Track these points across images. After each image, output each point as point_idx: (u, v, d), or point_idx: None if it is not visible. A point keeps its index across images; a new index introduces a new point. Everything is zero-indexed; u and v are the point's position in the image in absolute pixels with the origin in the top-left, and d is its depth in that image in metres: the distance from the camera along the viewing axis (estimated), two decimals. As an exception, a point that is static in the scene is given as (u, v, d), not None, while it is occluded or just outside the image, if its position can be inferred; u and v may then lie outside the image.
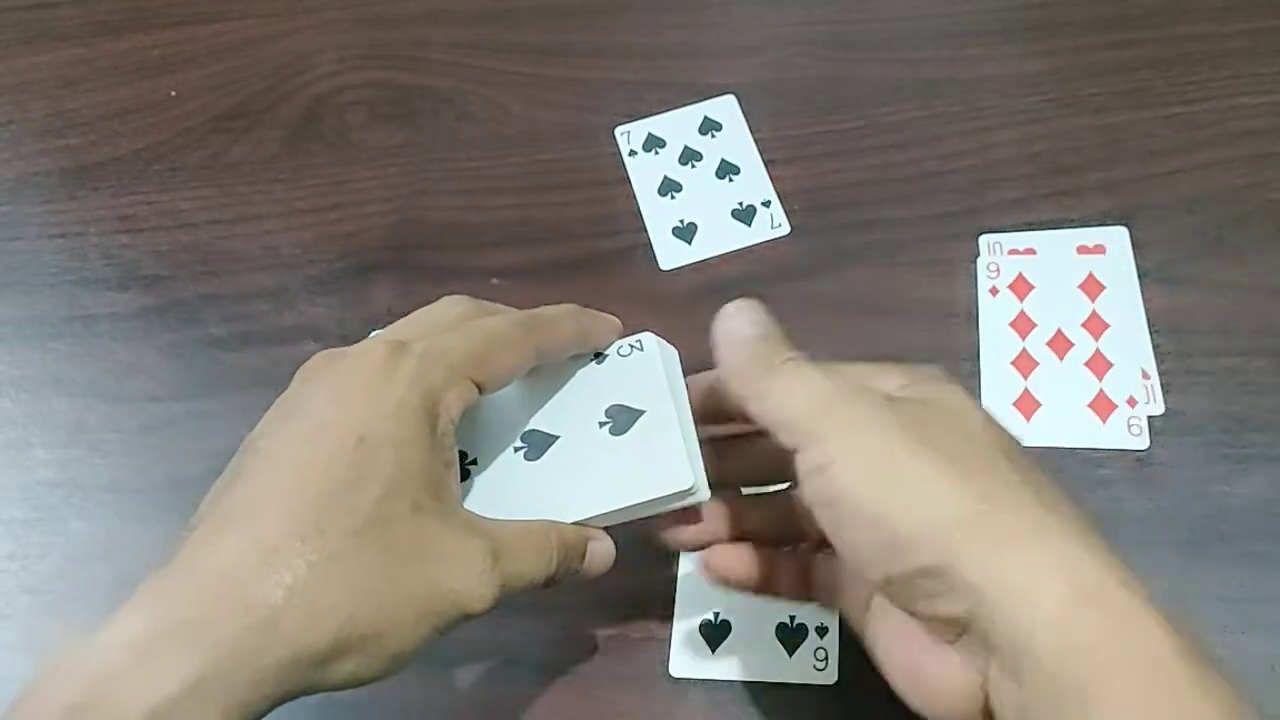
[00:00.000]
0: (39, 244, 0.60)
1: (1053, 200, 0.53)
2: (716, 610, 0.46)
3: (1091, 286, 0.51)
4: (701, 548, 0.40)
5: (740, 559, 0.40)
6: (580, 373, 0.41)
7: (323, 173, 0.60)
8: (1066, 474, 0.47)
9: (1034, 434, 0.48)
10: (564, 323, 0.40)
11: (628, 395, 0.39)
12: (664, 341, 0.41)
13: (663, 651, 0.46)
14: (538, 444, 0.40)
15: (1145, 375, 0.49)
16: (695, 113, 0.59)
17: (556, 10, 0.64)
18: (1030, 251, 0.52)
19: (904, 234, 0.54)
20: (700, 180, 0.57)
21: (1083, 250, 0.52)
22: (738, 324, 0.37)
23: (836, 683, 0.44)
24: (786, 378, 0.35)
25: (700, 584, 0.46)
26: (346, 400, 0.34)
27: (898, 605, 0.33)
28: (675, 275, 0.54)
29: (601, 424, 0.39)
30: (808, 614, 0.45)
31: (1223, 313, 0.50)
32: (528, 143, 0.60)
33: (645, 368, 0.40)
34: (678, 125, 0.59)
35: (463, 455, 0.39)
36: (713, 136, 0.58)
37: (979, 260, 0.52)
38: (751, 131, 0.58)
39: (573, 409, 0.40)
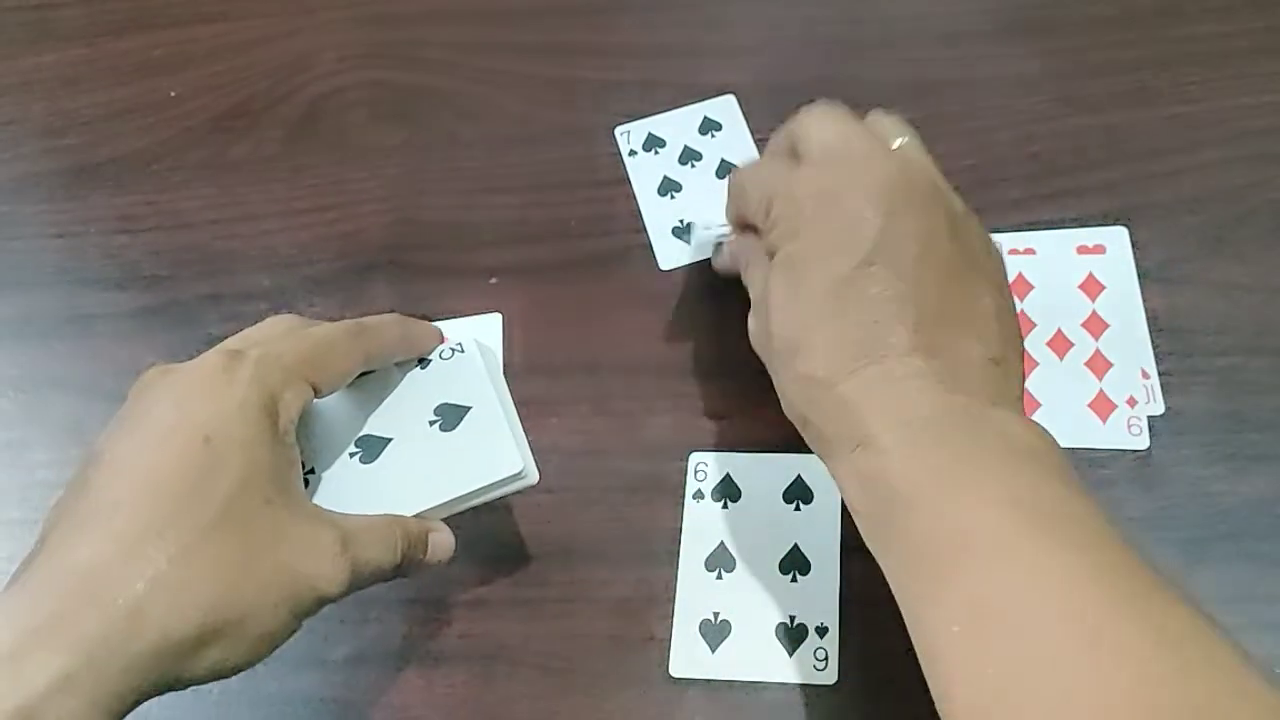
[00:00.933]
0: (39, 243, 0.60)
1: (1053, 200, 0.53)
2: (716, 610, 0.46)
3: (1091, 286, 0.51)
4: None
5: None
6: (407, 378, 0.44)
7: (322, 173, 0.60)
8: (1066, 474, 0.47)
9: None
10: (389, 329, 0.43)
11: (454, 394, 0.43)
12: (483, 343, 0.45)
13: (663, 651, 0.45)
14: (372, 447, 0.42)
15: (1145, 375, 0.49)
16: (695, 113, 0.59)
17: (556, 10, 0.64)
18: (1030, 251, 0.52)
19: (904, 234, 0.54)
20: (700, 180, 0.57)
21: (1083, 250, 0.52)
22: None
23: (836, 683, 0.44)
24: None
25: (700, 584, 0.46)
26: (189, 404, 0.37)
27: None
28: (674, 275, 0.54)
29: (431, 422, 0.42)
30: (808, 614, 0.45)
31: (1223, 313, 0.50)
32: (527, 142, 0.60)
33: (468, 368, 0.44)
34: (678, 125, 0.59)
35: (302, 465, 0.41)
36: (713, 136, 0.58)
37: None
38: (752, 132, 0.58)
39: (403, 412, 0.43)
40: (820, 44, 0.60)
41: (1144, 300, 0.50)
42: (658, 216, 0.56)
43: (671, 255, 0.55)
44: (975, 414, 0.35)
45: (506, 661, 0.46)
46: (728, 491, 0.48)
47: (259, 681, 0.47)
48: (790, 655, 0.45)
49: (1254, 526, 0.45)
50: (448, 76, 0.63)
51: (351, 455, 0.42)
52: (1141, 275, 0.51)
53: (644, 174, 0.57)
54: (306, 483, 0.41)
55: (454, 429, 0.42)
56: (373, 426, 0.43)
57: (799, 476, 0.48)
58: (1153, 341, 0.49)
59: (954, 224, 0.39)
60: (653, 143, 0.58)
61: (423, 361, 0.44)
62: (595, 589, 0.47)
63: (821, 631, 0.45)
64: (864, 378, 0.36)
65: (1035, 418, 0.48)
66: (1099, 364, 0.49)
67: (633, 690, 0.45)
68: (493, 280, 0.55)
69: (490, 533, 0.49)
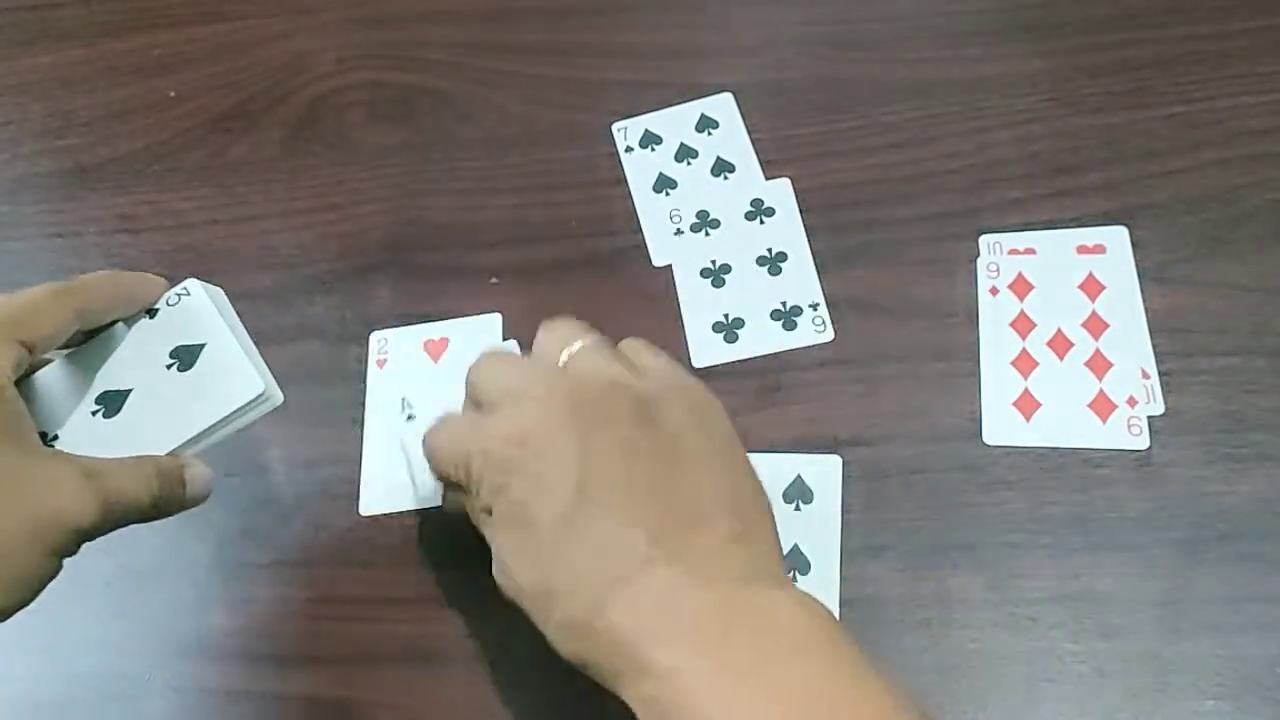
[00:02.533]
0: (38, 244, 0.60)
1: (1053, 200, 0.53)
2: (716, 610, 0.46)
3: (1091, 286, 0.51)
4: None
5: None
6: (136, 329, 0.44)
7: (322, 173, 0.60)
8: (1066, 474, 0.47)
9: (1034, 434, 0.48)
10: (100, 285, 0.43)
11: (186, 335, 0.43)
12: (207, 284, 0.45)
13: (662, 652, 0.45)
14: (113, 401, 0.42)
15: (1145, 375, 0.49)
16: (692, 110, 0.59)
17: (556, 10, 0.64)
18: (1030, 251, 0.52)
19: (904, 234, 0.54)
20: (696, 178, 0.57)
21: (1083, 250, 0.52)
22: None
23: (836, 683, 0.44)
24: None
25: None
26: None
27: None
28: (669, 272, 0.54)
29: (168, 366, 0.42)
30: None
31: (1223, 313, 0.50)
32: (527, 143, 0.60)
33: (196, 308, 0.44)
34: (674, 122, 0.59)
35: (44, 435, 0.41)
36: (709, 134, 0.58)
37: (979, 260, 0.52)
38: (750, 132, 0.58)
39: (138, 362, 0.43)
40: (819, 44, 0.60)
41: (1144, 300, 0.50)
42: (653, 213, 0.56)
43: (665, 252, 0.55)
44: (739, 603, 0.35)
45: (507, 661, 0.46)
46: (728, 491, 0.48)
47: (259, 681, 0.47)
48: (790, 655, 0.45)
49: (1253, 526, 0.45)
50: (447, 77, 0.63)
51: (94, 413, 0.42)
52: (1141, 275, 0.51)
53: (640, 171, 0.57)
54: (51, 448, 0.41)
55: (191, 367, 0.42)
56: (110, 382, 0.43)
57: (799, 476, 0.48)
58: (1153, 341, 0.49)
59: (648, 416, 0.38)
60: (649, 139, 0.58)
61: (151, 312, 0.44)
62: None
63: (821, 631, 0.45)
64: (621, 605, 0.35)
65: (1035, 417, 0.48)
66: (1099, 364, 0.49)
67: (633, 690, 0.45)
68: (493, 280, 0.55)
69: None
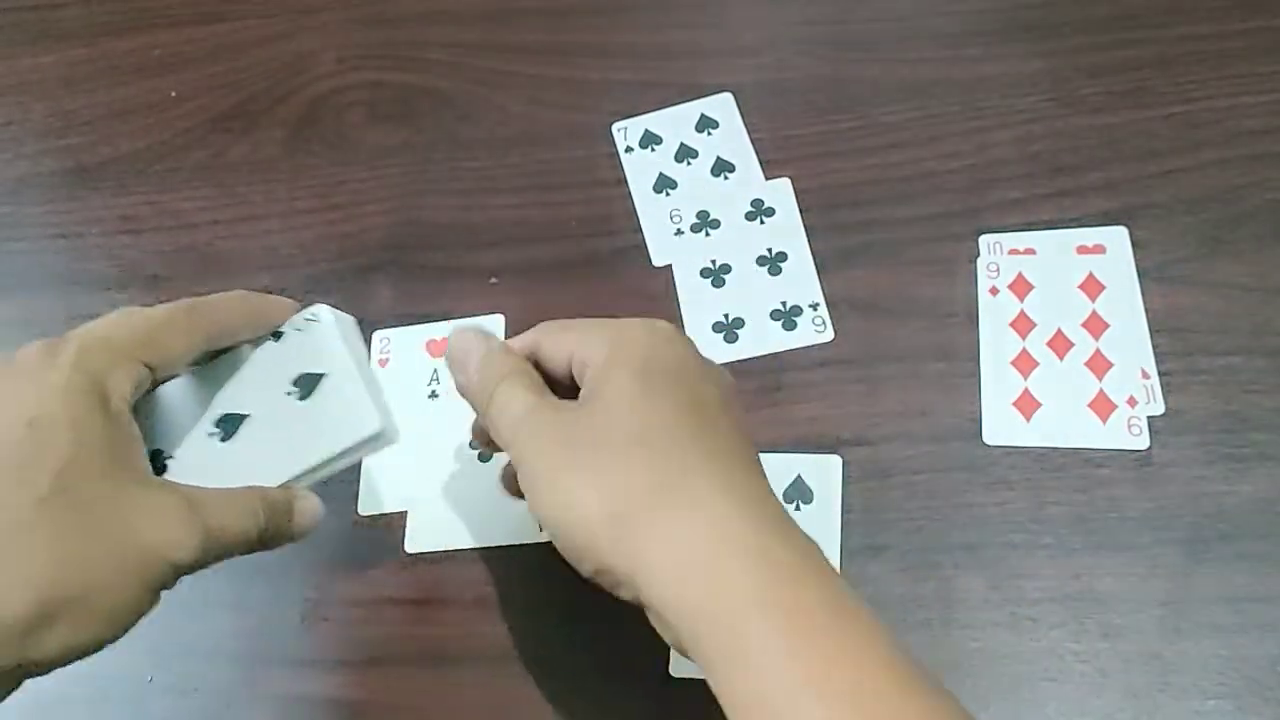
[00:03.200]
0: (39, 244, 0.60)
1: (1053, 200, 0.53)
2: (716, 610, 0.46)
3: (1091, 286, 0.51)
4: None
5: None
6: (260, 352, 0.42)
7: (322, 173, 0.60)
8: (1066, 474, 0.47)
9: (1034, 434, 0.48)
10: (229, 305, 0.42)
11: (309, 363, 0.41)
12: (338, 310, 0.43)
13: (663, 651, 0.45)
14: (230, 424, 0.41)
15: (1145, 375, 0.49)
16: (692, 110, 0.59)
17: (556, 10, 0.64)
18: (1030, 251, 0.52)
19: (904, 234, 0.54)
20: (695, 178, 0.57)
21: (1083, 250, 0.52)
22: (466, 343, 0.41)
23: (836, 682, 0.44)
24: (501, 397, 0.38)
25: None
26: (9, 394, 0.36)
27: None
28: (669, 272, 0.54)
29: (288, 393, 0.41)
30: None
31: (1223, 313, 0.50)
32: (527, 143, 0.60)
33: (322, 335, 0.42)
34: (674, 122, 0.59)
35: (159, 453, 0.40)
36: (709, 134, 0.58)
37: (979, 260, 0.52)
38: (750, 132, 0.58)
39: (259, 386, 0.41)
40: (819, 44, 0.60)
41: (1144, 300, 0.50)
42: (653, 213, 0.56)
43: (665, 252, 0.55)
44: None
45: (507, 661, 0.46)
46: (728, 491, 0.48)
47: (259, 682, 0.47)
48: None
49: (1254, 526, 0.45)
50: (448, 77, 0.63)
51: (210, 435, 0.41)
52: (1141, 275, 0.51)
53: (640, 171, 0.57)
54: (165, 468, 0.40)
55: (311, 396, 0.41)
56: (229, 404, 0.41)
57: (799, 476, 0.48)
58: (1153, 341, 0.49)
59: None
60: (649, 139, 0.58)
61: (277, 335, 0.43)
62: (595, 589, 0.47)
63: (821, 631, 0.45)
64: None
65: (1035, 417, 0.48)
66: (1099, 364, 0.49)
67: (633, 690, 0.45)
68: (493, 280, 0.55)
69: (491, 533, 0.49)
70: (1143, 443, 0.47)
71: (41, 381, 0.35)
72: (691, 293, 0.54)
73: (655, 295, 0.54)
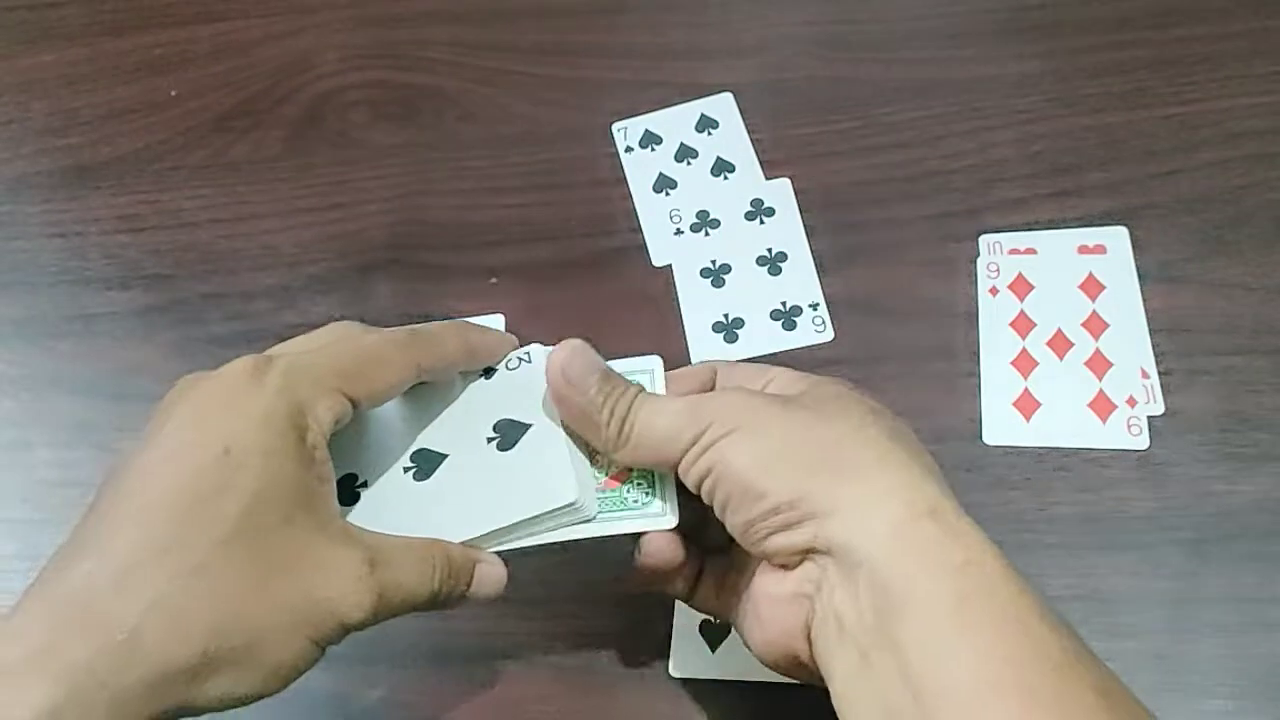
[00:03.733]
0: (40, 243, 0.60)
1: (1053, 200, 0.53)
2: (716, 610, 0.46)
3: (1091, 286, 0.51)
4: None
5: (671, 541, 0.38)
6: (469, 389, 0.40)
7: (324, 172, 0.60)
8: (1067, 474, 0.47)
9: (1034, 434, 0.48)
10: (448, 339, 0.40)
11: (515, 409, 0.39)
12: (551, 348, 0.40)
13: (663, 651, 0.46)
14: (427, 463, 0.39)
15: (1145, 375, 0.49)
16: (692, 110, 0.59)
17: (557, 10, 0.64)
18: (1030, 251, 0.52)
19: (904, 234, 0.54)
20: (695, 178, 0.57)
21: (1083, 250, 0.52)
22: (575, 369, 0.38)
23: (836, 682, 0.44)
24: (643, 413, 0.37)
25: (700, 583, 0.46)
26: (210, 415, 0.34)
27: (754, 550, 0.35)
28: (669, 272, 0.54)
29: (489, 439, 0.39)
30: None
31: (1223, 313, 0.50)
32: (528, 142, 0.60)
33: (533, 379, 0.39)
34: (674, 122, 0.59)
35: (353, 477, 0.39)
36: (709, 134, 0.58)
37: (979, 260, 0.52)
38: (750, 132, 0.58)
39: (462, 426, 0.39)
40: (820, 44, 0.60)
41: (1144, 300, 0.50)
42: (653, 213, 0.56)
43: (665, 252, 0.55)
44: None
45: (507, 661, 0.46)
46: (728, 491, 0.48)
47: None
48: (790, 654, 0.45)
49: (1255, 526, 0.45)
50: (449, 76, 0.63)
51: (406, 470, 0.39)
52: (1141, 275, 0.51)
53: (640, 171, 0.58)
54: (357, 495, 0.39)
55: (511, 448, 0.38)
56: (429, 440, 0.39)
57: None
58: (1153, 341, 0.49)
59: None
60: (649, 139, 0.58)
61: (488, 372, 0.41)
62: (597, 589, 0.47)
63: (822, 631, 0.45)
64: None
65: (1035, 417, 0.48)
66: (1099, 364, 0.49)
67: (633, 690, 0.45)
68: (493, 280, 0.55)
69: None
70: (1143, 443, 0.47)
71: (243, 406, 0.34)
72: (691, 293, 0.54)
73: (655, 295, 0.54)
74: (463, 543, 0.37)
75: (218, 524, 0.32)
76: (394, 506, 0.38)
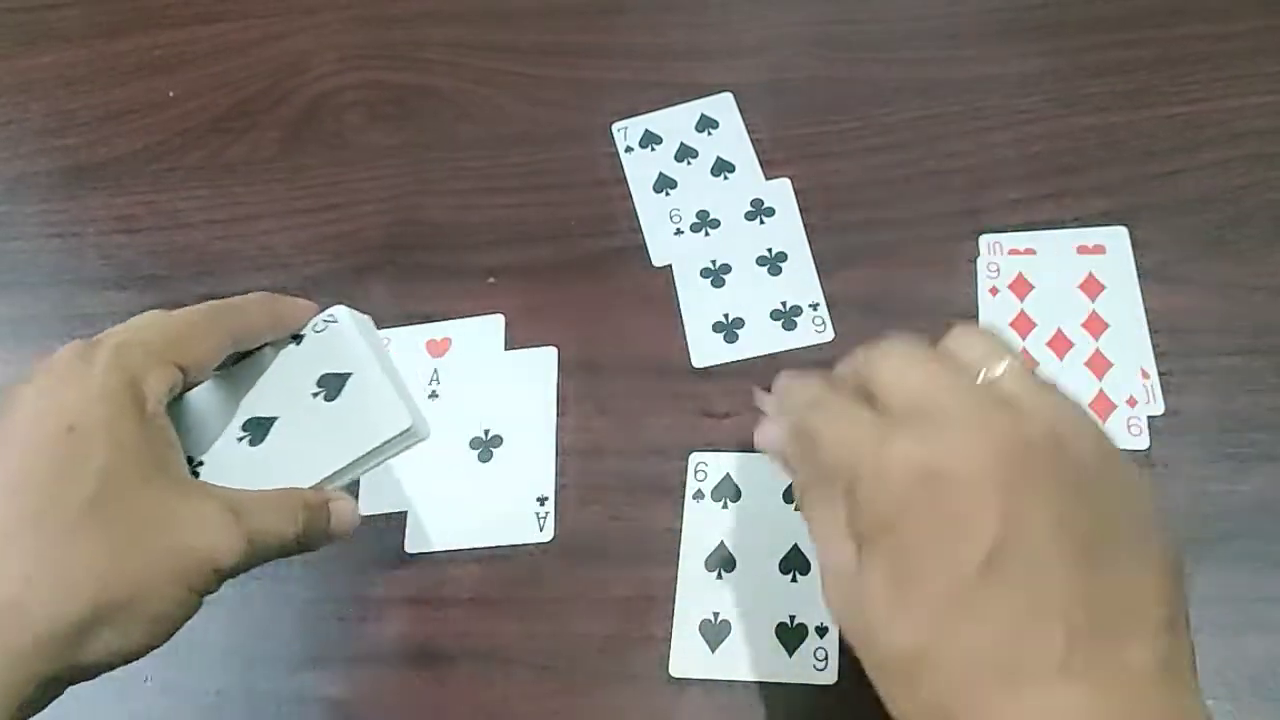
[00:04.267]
0: (37, 244, 0.60)
1: (1053, 200, 0.53)
2: (716, 610, 0.46)
3: (1091, 286, 0.51)
4: None
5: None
6: (284, 355, 0.43)
7: (320, 173, 0.60)
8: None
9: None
10: (254, 307, 0.42)
11: (333, 364, 0.42)
12: (355, 311, 0.43)
13: (663, 651, 0.45)
14: (258, 428, 0.41)
15: (1145, 375, 0.49)
16: (692, 110, 0.59)
17: (556, 10, 0.64)
18: (1030, 251, 0.52)
19: (904, 234, 0.54)
20: (695, 177, 0.57)
21: (1083, 250, 0.52)
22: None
23: (836, 683, 0.44)
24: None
25: (700, 584, 0.46)
26: (49, 395, 0.36)
27: None
28: (669, 272, 0.54)
29: (314, 394, 0.41)
30: (808, 614, 0.45)
31: (1223, 313, 0.50)
32: (526, 143, 0.59)
33: (343, 336, 0.42)
34: (674, 122, 0.59)
35: (189, 460, 0.40)
36: (709, 134, 0.58)
37: (979, 260, 0.52)
38: (750, 132, 0.58)
39: (284, 389, 0.42)
40: (820, 44, 0.60)
41: (1144, 300, 0.50)
42: (653, 213, 0.56)
43: (665, 252, 0.55)
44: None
45: (506, 661, 0.46)
46: (728, 491, 0.48)
47: (257, 681, 0.47)
48: (790, 655, 0.44)
49: (1254, 526, 0.45)
50: (447, 76, 0.63)
51: (239, 440, 0.41)
52: (1141, 275, 0.51)
53: (640, 170, 0.57)
54: (197, 474, 0.40)
55: (338, 397, 0.41)
56: (256, 408, 0.42)
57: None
58: (1153, 341, 0.49)
59: (1086, 482, 0.31)
60: (649, 139, 0.58)
61: (297, 338, 0.43)
62: (595, 589, 0.47)
63: (821, 631, 0.45)
64: (1009, 715, 0.29)
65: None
66: (1099, 364, 0.49)
67: (633, 690, 0.45)
68: (492, 280, 0.55)
69: (490, 533, 0.49)
70: (1143, 443, 0.47)
71: (79, 386, 0.36)
72: (691, 293, 0.54)
73: (655, 295, 0.54)
74: (311, 487, 0.40)
75: (81, 489, 0.34)
76: (238, 473, 0.40)
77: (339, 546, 0.49)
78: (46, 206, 0.61)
